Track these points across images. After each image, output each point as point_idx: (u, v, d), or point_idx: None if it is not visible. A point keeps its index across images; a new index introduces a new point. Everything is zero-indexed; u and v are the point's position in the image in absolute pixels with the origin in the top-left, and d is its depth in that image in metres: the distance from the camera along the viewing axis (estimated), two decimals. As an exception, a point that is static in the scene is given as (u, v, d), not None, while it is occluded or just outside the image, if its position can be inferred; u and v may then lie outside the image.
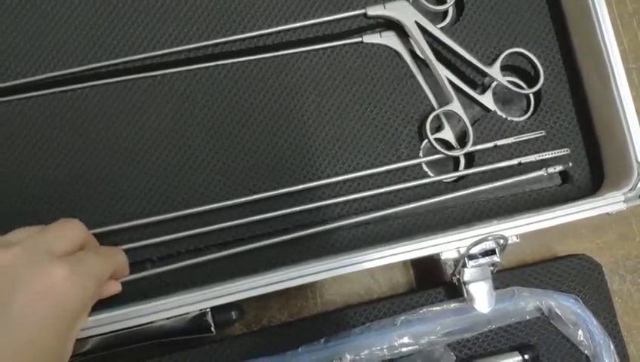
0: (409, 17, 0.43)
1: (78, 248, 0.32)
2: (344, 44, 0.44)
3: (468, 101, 0.44)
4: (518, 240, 0.38)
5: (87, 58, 0.42)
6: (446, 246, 0.37)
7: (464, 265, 0.37)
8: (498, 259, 0.37)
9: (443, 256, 0.38)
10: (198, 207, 0.40)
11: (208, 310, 0.35)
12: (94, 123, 0.42)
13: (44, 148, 0.41)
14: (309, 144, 0.42)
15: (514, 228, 0.38)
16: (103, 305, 0.35)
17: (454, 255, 0.38)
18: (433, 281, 0.43)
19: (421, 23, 0.43)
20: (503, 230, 0.38)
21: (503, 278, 0.41)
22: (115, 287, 0.34)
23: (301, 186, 0.41)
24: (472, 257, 0.37)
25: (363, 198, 0.42)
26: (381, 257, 0.37)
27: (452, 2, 0.43)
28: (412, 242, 0.37)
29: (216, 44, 0.43)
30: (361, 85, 0.43)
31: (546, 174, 0.42)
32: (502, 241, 0.37)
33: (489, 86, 0.44)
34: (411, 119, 0.43)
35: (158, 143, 0.42)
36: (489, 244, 0.37)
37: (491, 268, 0.38)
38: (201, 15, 0.43)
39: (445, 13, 0.45)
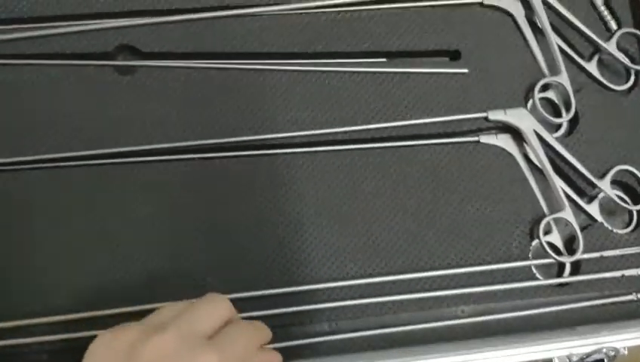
0: (527, 125, 0.46)
1: (225, 324, 0.32)
2: (462, 142, 0.47)
3: (575, 209, 0.46)
4: (625, 353, 0.40)
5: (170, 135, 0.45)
6: (558, 351, 0.39)
7: (574, 371, 0.40)
8: (608, 370, 0.39)
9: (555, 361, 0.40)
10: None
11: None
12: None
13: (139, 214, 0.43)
14: (422, 233, 0.45)
15: (622, 341, 0.40)
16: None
17: (564, 360, 0.40)
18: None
19: (538, 131, 0.46)
20: (613, 342, 0.40)
21: (599, 383, 0.43)
22: (277, 358, 0.33)
23: (418, 274, 0.43)
24: (582, 365, 0.39)
25: (473, 293, 0.44)
26: (494, 357, 0.39)
27: (569, 117, 0.46)
28: (526, 344, 0.40)
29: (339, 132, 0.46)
30: (477, 182, 0.46)
31: (636, 299, 0.45)
32: (612, 353, 0.39)
33: (595, 196, 0.46)
34: (523, 220, 0.45)
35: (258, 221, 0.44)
36: (600, 354, 0.39)
37: (597, 375, 0.40)
38: (320, 104, 0.47)
39: (560, 124, 0.48)
